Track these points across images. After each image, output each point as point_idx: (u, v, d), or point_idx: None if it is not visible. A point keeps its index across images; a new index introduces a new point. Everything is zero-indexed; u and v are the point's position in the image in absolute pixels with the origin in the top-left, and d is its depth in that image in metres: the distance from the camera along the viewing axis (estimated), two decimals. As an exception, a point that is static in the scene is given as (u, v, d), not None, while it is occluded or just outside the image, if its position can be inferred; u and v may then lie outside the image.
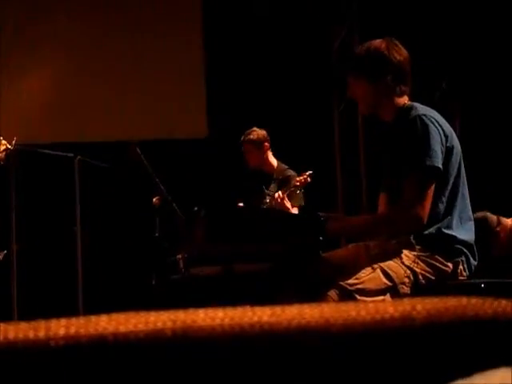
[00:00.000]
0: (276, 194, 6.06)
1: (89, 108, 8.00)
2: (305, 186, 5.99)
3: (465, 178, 3.70)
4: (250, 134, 6.69)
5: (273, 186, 6.60)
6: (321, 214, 3.65)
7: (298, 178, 6.04)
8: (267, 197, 6.40)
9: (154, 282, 6.15)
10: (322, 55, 7.74)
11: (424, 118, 3.56)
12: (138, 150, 5.83)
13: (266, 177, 6.72)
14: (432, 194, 3.51)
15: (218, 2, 8.29)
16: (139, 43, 8.15)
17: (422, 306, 1.09)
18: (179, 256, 5.46)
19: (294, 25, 8.03)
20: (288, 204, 5.96)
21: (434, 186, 3.52)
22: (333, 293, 3.39)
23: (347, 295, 3.36)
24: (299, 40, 7.98)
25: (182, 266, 5.43)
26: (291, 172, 6.68)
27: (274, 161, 6.76)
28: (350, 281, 3.42)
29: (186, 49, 8.18)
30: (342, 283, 3.41)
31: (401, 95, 3.72)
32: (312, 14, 7.94)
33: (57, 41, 8.05)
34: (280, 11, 8.08)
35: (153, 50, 8.15)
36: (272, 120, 7.09)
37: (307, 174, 5.98)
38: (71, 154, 6.28)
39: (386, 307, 1.10)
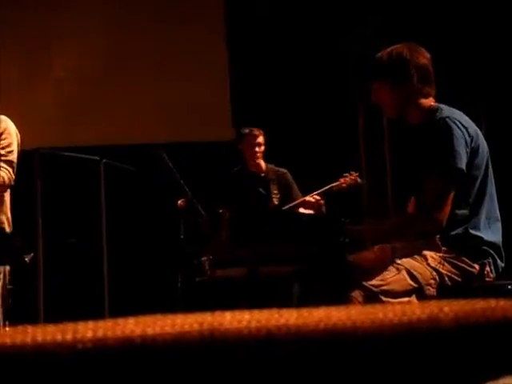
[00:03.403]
0: (308, 197, 5.93)
1: (114, 111, 8.02)
2: (353, 187, 5.85)
3: (492, 179, 3.68)
4: (249, 132, 6.62)
5: (273, 187, 6.50)
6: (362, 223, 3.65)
7: (343, 180, 5.90)
8: (274, 199, 6.33)
9: (179, 285, 6.15)
10: (344, 56, 7.73)
11: (448, 120, 3.54)
12: (163, 153, 5.84)
13: (256, 178, 6.60)
14: (453, 196, 3.50)
15: (241, 2, 8.30)
16: (163, 45, 8.16)
17: (450, 308, 1.09)
18: (204, 258, 5.46)
19: (316, 23, 8.02)
20: (322, 204, 5.80)
21: (455, 188, 3.51)
22: (357, 293, 3.39)
23: (372, 296, 3.36)
24: (323, 39, 7.96)
25: (207, 268, 5.43)
26: (282, 169, 6.61)
27: (263, 162, 6.66)
28: (375, 282, 3.41)
29: (210, 50, 8.18)
30: (366, 284, 3.40)
31: (426, 97, 3.71)
32: (333, 11, 7.93)
33: (81, 44, 8.09)
34: (302, 10, 8.07)
35: (177, 52, 8.16)
36: (297, 121, 7.08)
37: (354, 174, 5.87)
38: (97, 157, 6.30)
39: (413, 309, 1.10)
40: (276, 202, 6.26)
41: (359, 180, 5.86)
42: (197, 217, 5.85)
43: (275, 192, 6.45)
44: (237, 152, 7.79)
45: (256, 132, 6.61)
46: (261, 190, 6.51)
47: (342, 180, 5.91)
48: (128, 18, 8.20)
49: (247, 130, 6.63)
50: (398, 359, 1.08)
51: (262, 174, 6.59)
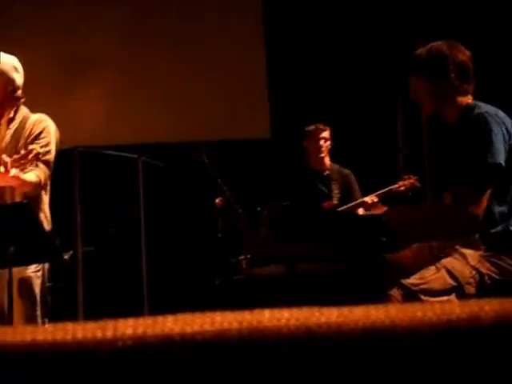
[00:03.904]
0: (367, 198, 5.94)
1: (152, 109, 8.06)
2: (411, 190, 5.83)
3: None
4: (315, 129, 6.62)
5: (335, 187, 6.52)
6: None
7: (402, 182, 5.89)
8: (333, 198, 6.33)
9: (217, 283, 6.17)
10: (383, 52, 7.69)
11: (487, 115, 3.53)
12: (202, 152, 5.86)
13: (321, 175, 6.62)
14: (491, 192, 3.48)
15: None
16: (200, 43, 8.18)
17: (490, 307, 1.08)
18: (242, 256, 5.47)
19: (354, 22, 7.99)
20: (379, 207, 5.80)
21: (493, 183, 3.49)
22: (396, 292, 3.37)
23: (411, 295, 3.34)
24: (360, 38, 7.94)
25: (244, 266, 5.44)
26: (347, 170, 6.61)
27: (328, 160, 6.67)
28: (415, 281, 3.39)
29: (248, 48, 8.18)
30: (405, 283, 3.39)
31: (464, 94, 3.69)
32: (371, 7, 7.90)
33: (114, 41, 8.13)
34: (340, 7, 8.05)
35: (214, 49, 8.17)
36: (335, 119, 7.05)
37: (414, 177, 5.85)
38: (135, 156, 6.34)
39: (453, 308, 1.09)
40: (335, 202, 6.27)
41: (418, 184, 5.84)
42: (234, 215, 5.86)
43: (336, 191, 6.44)
44: (274, 150, 7.78)
45: (321, 128, 6.61)
46: (322, 187, 6.52)
47: (400, 183, 5.92)
48: (166, 18, 8.23)
49: (312, 127, 6.63)
50: (437, 358, 1.07)
51: (326, 172, 6.60)
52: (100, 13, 8.16)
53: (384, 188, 6.08)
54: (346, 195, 6.37)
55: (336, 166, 6.64)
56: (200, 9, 8.24)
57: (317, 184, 6.56)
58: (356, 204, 6.07)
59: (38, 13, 8.09)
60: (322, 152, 6.58)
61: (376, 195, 5.96)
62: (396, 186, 5.96)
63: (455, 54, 3.66)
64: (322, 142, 6.57)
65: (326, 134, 6.60)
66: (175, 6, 8.25)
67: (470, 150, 3.52)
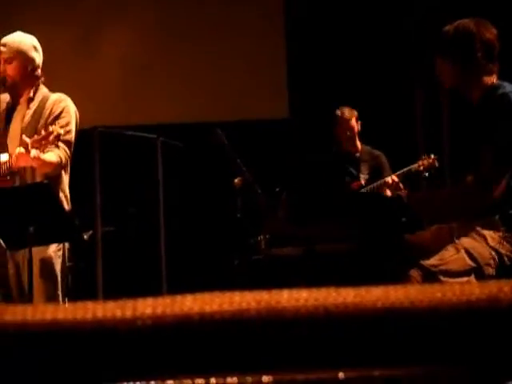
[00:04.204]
0: (389, 179, 5.96)
1: (170, 89, 8.06)
2: (430, 170, 5.84)
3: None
4: (343, 112, 6.63)
5: (364, 168, 6.52)
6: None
7: (421, 162, 5.90)
8: (361, 179, 6.34)
9: (236, 263, 6.18)
10: (402, 33, 7.65)
11: (511, 95, 3.50)
12: (220, 132, 5.85)
13: (351, 158, 6.66)
14: (510, 172, 3.47)
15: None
16: (217, 22, 8.15)
17: (509, 288, 1.08)
18: (261, 236, 5.48)
19: (373, 5, 7.95)
20: (402, 187, 5.82)
21: None
22: (415, 273, 3.37)
23: (431, 276, 3.34)
24: (380, 17, 7.89)
25: (263, 246, 5.45)
26: (377, 152, 6.62)
27: (358, 142, 6.70)
28: (434, 262, 3.39)
29: (267, 27, 8.15)
30: (425, 264, 3.39)
31: (490, 74, 3.66)
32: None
33: (136, 22, 8.13)
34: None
35: (231, 28, 8.14)
36: (354, 97, 7.03)
37: (433, 157, 5.85)
38: (154, 135, 6.34)
39: (472, 289, 1.09)
40: (362, 182, 6.28)
41: (437, 163, 5.83)
42: (253, 195, 5.87)
43: (365, 172, 6.46)
44: (292, 129, 7.77)
45: (348, 116, 6.62)
46: (352, 170, 6.54)
47: (420, 162, 5.91)
48: (182, 0, 8.22)
49: (339, 112, 6.64)
50: (456, 339, 1.07)
51: (357, 155, 6.63)
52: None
53: (404, 168, 6.09)
54: (376, 176, 6.36)
55: (367, 148, 6.67)
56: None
57: (347, 166, 6.58)
58: (378, 184, 6.07)
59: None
60: (351, 138, 6.61)
61: (396, 175, 5.97)
62: (415, 165, 5.96)
63: (482, 33, 3.62)
64: (350, 128, 6.60)
65: (353, 120, 6.61)
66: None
67: (491, 128, 3.50)
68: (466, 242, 3.49)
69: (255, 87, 8.05)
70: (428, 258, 3.43)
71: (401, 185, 5.78)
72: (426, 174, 5.87)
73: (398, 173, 5.98)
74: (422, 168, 5.87)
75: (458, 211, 3.74)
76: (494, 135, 3.48)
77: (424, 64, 3.83)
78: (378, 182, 6.09)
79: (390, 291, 1.07)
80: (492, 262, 3.45)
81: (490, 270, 3.44)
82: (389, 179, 5.90)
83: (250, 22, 8.15)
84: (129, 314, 1.02)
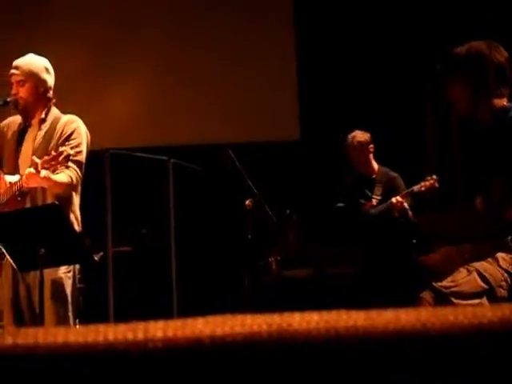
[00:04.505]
0: (394, 199, 6.02)
1: (182, 111, 8.09)
2: (431, 191, 5.92)
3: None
4: (356, 135, 6.67)
5: (377, 189, 6.54)
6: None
7: (423, 183, 5.98)
8: (373, 200, 6.36)
9: (246, 284, 6.18)
10: (413, 55, 7.66)
11: (521, 118, 3.50)
12: (231, 154, 5.87)
13: (367, 180, 6.67)
14: None
15: (310, 1, 8.27)
16: (230, 45, 8.19)
17: (522, 311, 1.07)
18: (271, 258, 5.48)
19: (384, 25, 7.97)
20: (407, 207, 5.89)
21: None
22: (427, 295, 3.36)
23: (442, 298, 3.33)
24: (391, 42, 7.91)
25: (274, 268, 5.45)
26: (394, 173, 6.63)
27: (375, 164, 6.71)
28: (446, 283, 3.38)
29: (278, 49, 8.18)
30: (436, 286, 3.38)
31: (500, 97, 3.65)
32: (404, 15, 7.87)
33: (145, 45, 8.16)
34: (371, 13, 8.02)
35: (244, 52, 8.18)
36: (364, 121, 7.04)
37: (434, 178, 5.92)
38: (165, 157, 6.36)
39: (485, 311, 1.08)
40: (374, 203, 6.30)
41: (437, 184, 5.91)
42: (264, 217, 5.87)
43: (378, 194, 6.47)
44: (303, 152, 7.78)
45: (360, 136, 6.65)
46: (367, 191, 6.55)
47: (422, 183, 5.99)
48: (195, 20, 8.25)
49: (352, 136, 6.67)
50: (468, 363, 1.07)
51: (373, 176, 6.64)
52: (136, 17, 8.21)
53: (408, 188, 6.18)
54: (390, 198, 6.37)
55: (384, 170, 6.68)
56: (227, 10, 8.25)
57: (363, 188, 6.60)
58: (385, 205, 6.10)
59: (68, 18, 8.15)
60: (365, 161, 6.64)
61: (401, 196, 6.04)
62: (418, 186, 6.05)
63: (494, 55, 3.61)
64: (364, 152, 6.62)
65: (363, 142, 6.63)
66: (203, 12, 8.27)
67: (503, 153, 3.49)
68: (477, 263, 3.48)
69: (267, 110, 8.07)
70: (439, 279, 3.42)
71: (405, 205, 5.86)
72: (428, 196, 5.96)
73: (402, 193, 6.05)
74: (423, 189, 5.95)
75: (468, 234, 3.73)
76: (504, 160, 3.47)
77: (435, 86, 3.83)
78: (385, 204, 6.13)
79: (401, 314, 1.07)
80: (504, 283, 3.44)
81: (503, 292, 3.43)
82: (394, 200, 5.97)
83: (261, 45, 8.18)
84: (140, 336, 1.02)
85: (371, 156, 6.69)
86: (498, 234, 3.54)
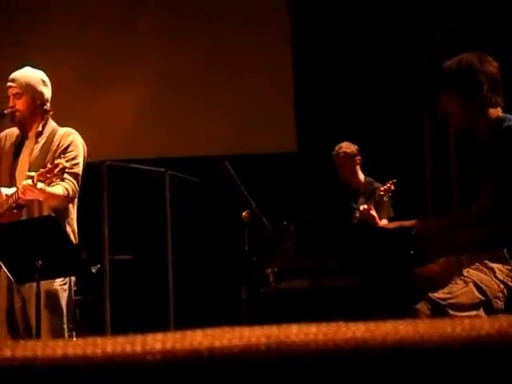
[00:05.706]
0: (361, 207, 6.09)
1: (178, 123, 8.09)
2: (389, 194, 6.02)
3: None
4: (343, 146, 6.69)
5: (361, 201, 6.57)
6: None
7: (381, 188, 6.07)
8: (356, 211, 6.37)
9: (243, 296, 6.17)
10: (410, 68, 7.68)
11: (516, 128, 3.52)
12: (228, 165, 5.87)
13: (353, 191, 6.70)
14: None
15: (307, 12, 8.28)
16: (227, 57, 8.20)
17: (520, 323, 1.07)
18: (269, 270, 5.47)
19: (381, 37, 7.98)
20: (375, 215, 5.96)
21: None
22: (424, 306, 3.36)
23: (439, 310, 3.32)
24: (388, 53, 7.92)
25: (271, 279, 5.44)
26: (377, 184, 6.65)
27: (361, 176, 6.74)
28: (443, 295, 3.38)
29: (275, 62, 8.19)
30: (433, 297, 3.37)
31: (495, 106, 3.67)
32: (400, 24, 7.88)
33: (144, 57, 8.17)
34: (368, 23, 8.04)
35: (241, 64, 8.19)
36: (361, 133, 7.05)
37: (391, 182, 6.02)
38: (162, 169, 6.36)
39: (482, 324, 1.08)
40: (357, 215, 6.32)
41: (393, 187, 6.00)
42: (261, 229, 5.87)
43: (360, 206, 6.49)
44: (301, 164, 7.79)
45: (344, 148, 6.68)
46: (352, 203, 6.58)
47: (381, 188, 6.08)
48: (192, 32, 8.26)
49: (337, 148, 6.70)
50: (466, 375, 1.07)
51: (358, 188, 6.67)
52: (134, 28, 8.22)
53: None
54: (375, 209, 6.39)
55: (369, 180, 6.70)
56: (223, 21, 8.27)
57: (348, 199, 6.63)
58: (359, 216, 6.17)
59: (63, 28, 8.16)
60: (351, 172, 6.67)
61: (368, 204, 6.11)
62: (378, 192, 6.13)
63: (486, 67, 3.63)
64: (350, 163, 6.66)
65: (348, 155, 6.66)
66: (203, 25, 8.29)
67: (497, 161, 3.51)
68: (474, 274, 3.48)
69: (264, 121, 8.07)
70: (436, 291, 3.42)
71: (373, 212, 5.93)
72: (385, 199, 6.05)
73: (369, 201, 6.12)
74: (382, 193, 6.03)
75: (464, 243, 3.74)
76: (500, 169, 3.48)
77: (432, 98, 3.85)
78: (357, 213, 6.21)
79: (399, 326, 1.07)
80: (501, 295, 3.44)
81: (499, 304, 3.43)
82: (361, 208, 6.04)
83: (258, 58, 8.19)
84: (138, 349, 1.02)
85: (358, 168, 6.71)
86: (494, 244, 3.54)
